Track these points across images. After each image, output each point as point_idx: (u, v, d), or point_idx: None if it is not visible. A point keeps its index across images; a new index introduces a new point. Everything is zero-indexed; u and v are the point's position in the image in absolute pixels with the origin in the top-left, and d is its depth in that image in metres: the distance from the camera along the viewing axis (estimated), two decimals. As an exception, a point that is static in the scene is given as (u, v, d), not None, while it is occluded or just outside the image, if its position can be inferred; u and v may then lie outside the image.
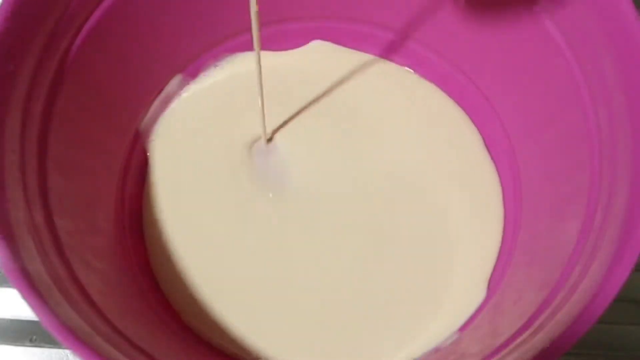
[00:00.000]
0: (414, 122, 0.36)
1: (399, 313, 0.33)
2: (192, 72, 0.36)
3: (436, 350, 0.32)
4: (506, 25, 0.31)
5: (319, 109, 0.36)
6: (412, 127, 0.36)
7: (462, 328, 0.32)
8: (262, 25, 0.34)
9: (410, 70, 0.37)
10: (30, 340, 0.33)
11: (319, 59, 0.37)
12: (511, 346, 0.24)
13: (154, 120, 0.36)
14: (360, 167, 0.35)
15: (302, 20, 0.36)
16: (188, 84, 0.36)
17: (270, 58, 0.37)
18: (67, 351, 0.33)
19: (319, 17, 0.36)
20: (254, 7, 0.26)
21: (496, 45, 0.33)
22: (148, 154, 0.35)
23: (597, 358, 0.34)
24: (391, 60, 0.37)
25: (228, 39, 0.36)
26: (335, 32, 0.36)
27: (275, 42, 0.36)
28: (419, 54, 0.36)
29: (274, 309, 0.33)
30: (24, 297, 0.22)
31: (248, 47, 0.36)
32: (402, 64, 0.37)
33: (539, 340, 0.23)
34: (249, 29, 0.34)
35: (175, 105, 0.36)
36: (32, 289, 0.22)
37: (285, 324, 0.33)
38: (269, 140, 0.36)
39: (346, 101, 0.36)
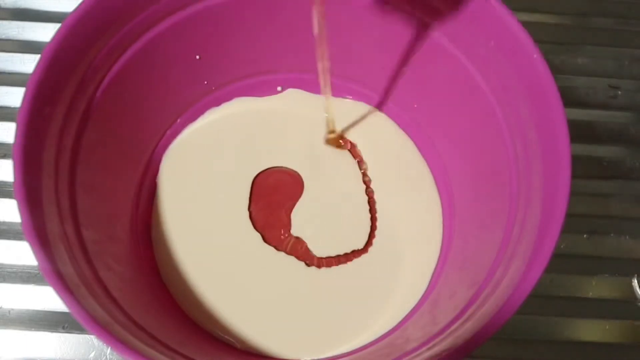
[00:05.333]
0: (374, 152, 0.38)
1: (359, 303, 0.34)
2: (194, 112, 0.38)
3: (386, 335, 0.33)
4: (444, 78, 0.33)
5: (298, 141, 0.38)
6: (372, 156, 0.38)
7: (408, 317, 0.33)
8: (247, 77, 0.37)
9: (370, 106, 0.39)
10: (63, 328, 0.34)
11: (293, 102, 0.39)
12: (447, 332, 0.26)
13: (163, 151, 0.37)
14: (328, 188, 0.37)
15: (278, 72, 0.38)
16: (191, 122, 0.38)
17: (253, 102, 0.39)
18: (92, 336, 0.34)
19: (292, 70, 0.38)
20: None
21: (437, 95, 0.34)
22: (157, 178, 0.37)
23: (514, 342, 0.35)
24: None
25: (225, 85, 0.37)
26: (305, 82, 0.38)
27: (257, 90, 0.38)
28: (374, 99, 0.38)
29: (256, 302, 0.34)
30: (58, 293, 0.23)
31: (242, 93, 0.38)
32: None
33: (469, 327, 0.25)
34: (243, 78, 0.37)
35: (179, 140, 0.37)
36: (64, 286, 0.23)
37: (267, 315, 0.34)
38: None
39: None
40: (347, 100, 0.39)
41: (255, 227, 0.36)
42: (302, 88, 0.39)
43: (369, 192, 0.37)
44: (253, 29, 0.35)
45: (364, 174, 0.38)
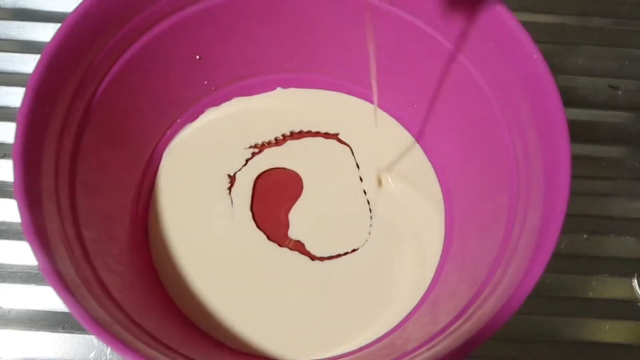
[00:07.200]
0: (375, 152, 0.38)
1: (359, 303, 0.34)
2: (194, 112, 0.38)
3: (386, 335, 0.33)
4: (444, 78, 0.33)
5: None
6: (373, 155, 0.38)
7: (408, 317, 0.33)
8: (246, 76, 0.37)
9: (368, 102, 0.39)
10: (63, 328, 0.34)
11: (292, 102, 0.39)
12: (447, 332, 0.26)
13: (163, 150, 0.37)
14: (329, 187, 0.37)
15: (277, 72, 0.38)
16: (190, 122, 0.38)
17: (252, 102, 0.39)
18: (92, 336, 0.34)
19: (291, 70, 0.38)
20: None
21: (437, 96, 0.34)
22: (156, 178, 0.37)
23: (514, 342, 0.35)
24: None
25: (225, 85, 0.37)
26: (304, 82, 0.39)
27: (257, 89, 0.39)
28: (370, 97, 0.38)
29: (255, 303, 0.34)
30: (58, 293, 0.23)
31: (241, 92, 0.38)
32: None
33: (469, 327, 0.25)
34: (242, 78, 0.37)
35: (179, 139, 0.37)
36: (64, 286, 0.23)
37: (267, 316, 0.34)
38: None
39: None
40: (349, 99, 0.39)
41: (259, 227, 0.36)
42: (301, 88, 0.39)
43: (369, 192, 0.37)
44: (252, 29, 0.35)
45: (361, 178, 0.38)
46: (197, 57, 0.34)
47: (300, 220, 0.36)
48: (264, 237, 0.36)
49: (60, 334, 0.35)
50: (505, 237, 0.28)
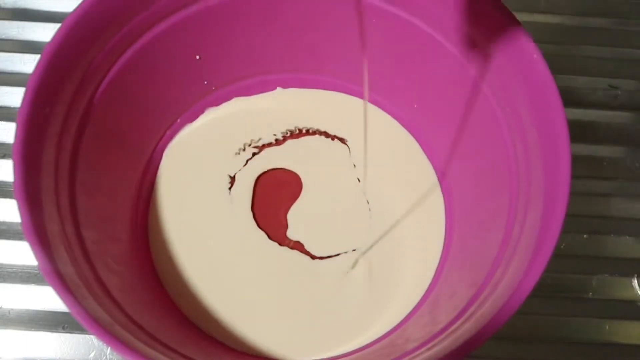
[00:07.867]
0: (375, 152, 0.37)
1: (359, 303, 0.34)
2: (194, 112, 0.38)
3: (386, 335, 0.33)
4: (444, 78, 0.33)
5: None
6: (374, 155, 0.37)
7: (408, 317, 0.33)
8: (246, 77, 0.37)
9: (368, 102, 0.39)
10: (63, 328, 0.35)
11: (292, 102, 0.39)
12: (447, 332, 0.26)
13: (163, 150, 0.37)
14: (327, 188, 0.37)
15: (277, 72, 0.38)
16: (190, 122, 0.38)
17: (252, 102, 0.39)
18: (92, 336, 0.34)
19: (291, 71, 0.38)
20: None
21: (437, 96, 0.34)
22: (156, 178, 0.37)
23: (514, 342, 0.35)
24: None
25: (225, 85, 0.37)
26: (304, 82, 0.39)
27: (257, 89, 0.39)
28: (375, 99, 0.38)
29: (255, 303, 0.34)
30: (58, 293, 0.23)
31: (241, 92, 0.38)
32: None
33: (469, 327, 0.25)
34: (242, 78, 0.37)
35: (179, 139, 0.37)
36: (64, 287, 0.23)
37: (267, 316, 0.34)
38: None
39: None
40: (349, 99, 0.39)
41: (259, 227, 0.36)
42: (301, 88, 0.39)
43: (369, 192, 0.37)
44: (253, 29, 0.35)
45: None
46: (197, 57, 0.34)
47: (300, 221, 0.37)
48: (265, 236, 0.36)
49: (60, 334, 0.35)
50: (505, 237, 0.28)
